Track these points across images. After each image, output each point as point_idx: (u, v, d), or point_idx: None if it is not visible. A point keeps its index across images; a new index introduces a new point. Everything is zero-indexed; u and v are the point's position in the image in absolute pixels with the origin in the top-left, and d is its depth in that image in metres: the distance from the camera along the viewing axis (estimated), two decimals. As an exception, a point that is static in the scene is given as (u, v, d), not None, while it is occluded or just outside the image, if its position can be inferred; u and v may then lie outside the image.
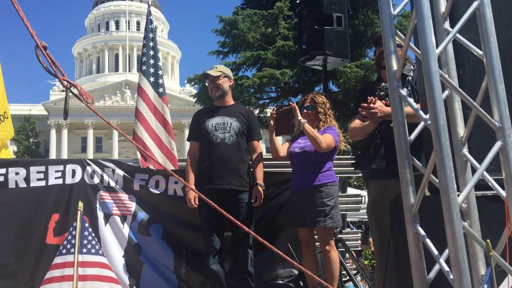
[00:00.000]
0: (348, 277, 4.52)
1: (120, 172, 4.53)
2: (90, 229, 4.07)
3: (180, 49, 77.90)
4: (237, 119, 4.24)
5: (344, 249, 4.78)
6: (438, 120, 1.92)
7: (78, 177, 4.46)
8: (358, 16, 19.64)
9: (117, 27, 72.11)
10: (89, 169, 4.48)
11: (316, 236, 4.11)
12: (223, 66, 4.52)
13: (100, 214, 4.41)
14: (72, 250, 3.92)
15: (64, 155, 55.64)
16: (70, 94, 2.12)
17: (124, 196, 4.49)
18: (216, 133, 4.17)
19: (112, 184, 4.49)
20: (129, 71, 65.85)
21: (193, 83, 22.20)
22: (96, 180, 4.47)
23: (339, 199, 4.23)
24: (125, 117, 53.10)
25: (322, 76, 6.36)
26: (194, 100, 23.92)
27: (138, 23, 71.28)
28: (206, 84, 4.49)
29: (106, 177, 4.49)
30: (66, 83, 2.06)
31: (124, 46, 67.63)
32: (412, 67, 3.46)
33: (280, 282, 4.50)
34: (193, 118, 4.46)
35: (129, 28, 69.19)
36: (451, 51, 2.29)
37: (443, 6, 2.27)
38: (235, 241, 4.15)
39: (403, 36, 2.27)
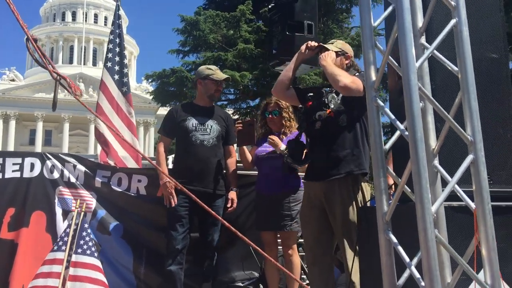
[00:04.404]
0: (308, 281, 4.57)
1: (81, 167, 4.42)
2: (89, 230, 4.00)
3: (138, 44, 76.68)
4: (218, 122, 4.22)
5: (304, 253, 4.83)
6: (415, 131, 1.98)
7: (36, 171, 4.33)
8: (318, 25, 19.93)
9: (74, 18, 70.20)
10: (49, 163, 4.36)
11: (279, 240, 4.15)
12: None
13: (59, 210, 4.29)
14: (63, 248, 3.84)
15: (11, 147, 53.71)
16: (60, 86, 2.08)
17: (84, 193, 4.38)
18: (196, 133, 4.13)
19: (73, 179, 4.38)
20: (84, 64, 64.32)
21: (150, 80, 21.90)
22: (56, 175, 4.35)
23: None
24: (77, 111, 51.88)
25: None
26: (151, 97, 23.63)
27: (96, 15, 69.72)
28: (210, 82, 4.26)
29: (66, 172, 4.37)
30: (55, 75, 2.02)
31: (80, 38, 65.94)
32: (356, 73, 3.39)
33: (240, 284, 4.51)
34: (170, 113, 4.38)
35: (86, 20, 67.55)
36: (426, 65, 2.37)
37: (420, 21, 2.35)
38: (203, 243, 4.12)
39: (382, 48, 2.33)
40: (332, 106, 3.16)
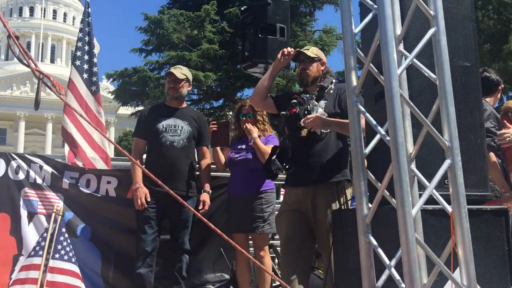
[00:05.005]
0: (278, 283, 4.61)
1: (48, 168, 4.30)
2: (66, 235, 3.90)
3: (98, 42, 75.11)
4: (189, 123, 4.18)
5: (274, 255, 4.86)
6: (397, 136, 2.03)
7: (1, 172, 4.19)
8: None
9: (31, 14, 68.08)
10: (14, 163, 4.22)
11: (250, 242, 4.16)
12: (187, 70, 4.38)
13: (24, 212, 4.16)
14: (41, 253, 3.73)
15: (-38, 146, 51.62)
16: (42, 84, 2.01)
17: (51, 194, 4.26)
18: (166, 135, 4.08)
19: (39, 181, 4.25)
20: (42, 61, 62.42)
21: (112, 79, 21.51)
22: (21, 176, 4.22)
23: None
24: (34, 109, 50.29)
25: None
26: (112, 96, 23.22)
27: (55, 11, 67.85)
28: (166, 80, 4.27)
29: (32, 173, 4.25)
30: (38, 73, 1.95)
31: (38, 34, 63.89)
32: (333, 80, 3.46)
33: (211, 286, 4.50)
34: (141, 115, 4.34)
35: (44, 16, 65.60)
36: (404, 72, 2.43)
37: (398, 29, 2.41)
38: (174, 245, 4.08)
39: (362, 54, 2.38)
40: (316, 113, 3.20)
